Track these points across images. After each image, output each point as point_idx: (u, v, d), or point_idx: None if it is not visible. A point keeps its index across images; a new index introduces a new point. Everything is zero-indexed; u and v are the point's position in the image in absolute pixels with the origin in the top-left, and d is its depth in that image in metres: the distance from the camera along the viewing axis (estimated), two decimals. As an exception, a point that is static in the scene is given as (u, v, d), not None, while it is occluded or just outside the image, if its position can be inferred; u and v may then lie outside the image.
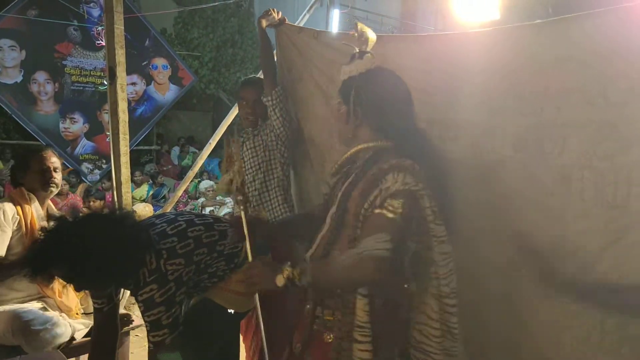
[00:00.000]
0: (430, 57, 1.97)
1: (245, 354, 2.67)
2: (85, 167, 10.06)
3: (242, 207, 1.75)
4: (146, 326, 1.91)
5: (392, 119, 1.60)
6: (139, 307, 1.90)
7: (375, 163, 1.52)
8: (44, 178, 2.67)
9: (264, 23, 2.56)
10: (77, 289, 2.05)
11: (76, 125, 9.98)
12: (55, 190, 2.72)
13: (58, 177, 2.74)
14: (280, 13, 2.59)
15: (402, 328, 1.52)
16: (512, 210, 1.76)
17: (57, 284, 2.59)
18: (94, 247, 1.79)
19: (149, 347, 1.90)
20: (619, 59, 1.47)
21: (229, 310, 2.16)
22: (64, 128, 9.86)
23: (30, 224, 2.54)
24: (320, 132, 2.49)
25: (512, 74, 1.76)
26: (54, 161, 2.74)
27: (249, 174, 2.55)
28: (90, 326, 2.68)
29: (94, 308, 2.17)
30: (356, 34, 1.65)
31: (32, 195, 2.64)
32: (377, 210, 1.39)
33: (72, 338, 2.56)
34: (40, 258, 1.82)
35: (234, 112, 4.64)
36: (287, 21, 2.62)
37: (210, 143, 4.75)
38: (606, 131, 1.52)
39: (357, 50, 1.65)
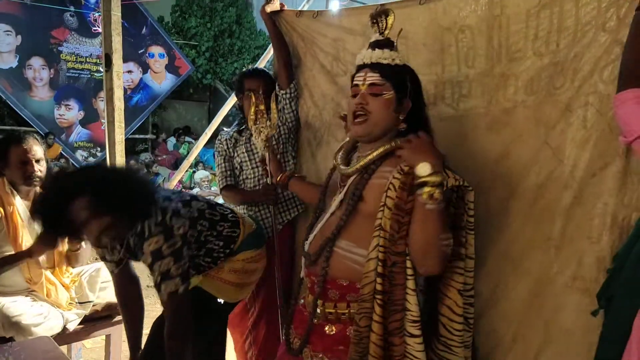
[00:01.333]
0: (439, 16, 1.96)
1: (234, 346, 2.66)
2: (79, 154, 10.02)
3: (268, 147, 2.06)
4: (156, 281, 1.87)
5: (422, 113, 1.61)
6: (147, 261, 1.87)
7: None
8: (25, 172, 2.46)
9: (268, 9, 2.53)
10: (88, 237, 1.96)
11: (71, 112, 9.93)
12: (38, 183, 2.52)
13: (42, 168, 2.52)
14: (278, 0, 2.56)
15: (435, 323, 1.52)
16: (520, 155, 1.75)
17: (46, 281, 2.52)
18: (106, 180, 1.84)
19: (162, 301, 1.88)
20: None
21: (219, 300, 2.13)
22: (59, 115, 9.81)
23: (13, 219, 2.42)
24: (320, 115, 2.48)
25: (527, 16, 1.73)
26: (36, 151, 2.50)
27: (261, 167, 2.51)
28: (84, 315, 2.67)
29: (110, 273, 2.20)
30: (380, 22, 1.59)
31: (13, 189, 2.48)
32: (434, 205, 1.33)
33: (65, 328, 2.55)
34: (53, 202, 1.81)
35: (230, 102, 4.62)
36: (285, 7, 2.58)
37: (206, 133, 4.74)
38: (613, 53, 1.52)
39: (380, 35, 1.59)
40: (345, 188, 1.57)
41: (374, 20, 1.59)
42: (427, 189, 1.27)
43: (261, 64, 4.88)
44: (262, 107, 2.21)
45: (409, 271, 1.38)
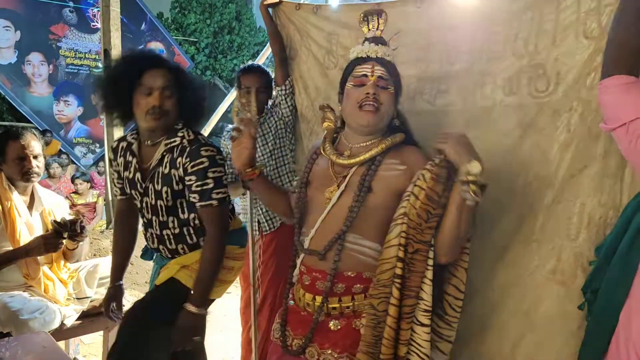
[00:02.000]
0: (430, 16, 2.00)
1: (242, 330, 2.74)
2: (78, 150, 10.01)
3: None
4: (205, 189, 1.89)
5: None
6: (193, 177, 1.89)
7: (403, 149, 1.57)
8: (23, 168, 2.43)
9: (267, 1, 2.54)
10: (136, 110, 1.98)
11: (70, 108, 9.92)
12: (36, 179, 2.51)
13: (39, 164, 2.50)
14: None
15: (440, 303, 1.54)
16: (501, 153, 1.79)
17: (44, 277, 2.52)
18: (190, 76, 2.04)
19: (212, 204, 1.90)
20: None
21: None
22: (58, 111, 9.80)
23: (11, 215, 2.40)
24: (312, 106, 2.52)
25: (507, 17, 1.79)
26: (34, 147, 2.47)
27: (259, 161, 2.52)
28: (82, 311, 2.67)
29: (115, 197, 2.20)
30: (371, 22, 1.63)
31: (11, 185, 2.45)
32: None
33: (63, 324, 2.54)
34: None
35: (229, 98, 4.62)
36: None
37: (205, 129, 4.73)
38: (596, 60, 1.56)
39: (373, 33, 1.63)
40: (346, 180, 1.56)
41: (366, 19, 1.62)
42: (473, 187, 1.29)
43: (260, 60, 4.88)
44: (242, 100, 2.30)
45: (430, 261, 1.41)
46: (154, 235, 2.04)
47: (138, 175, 1.99)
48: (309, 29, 2.45)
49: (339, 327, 1.52)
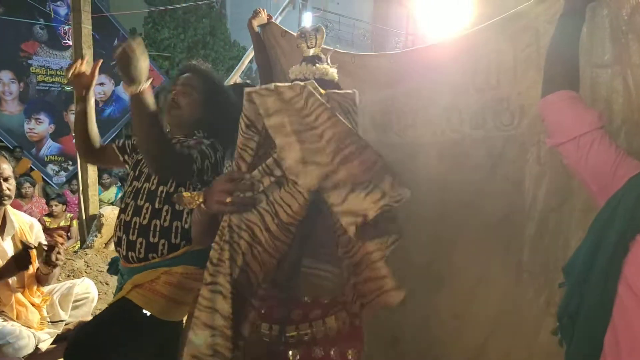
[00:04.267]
0: (398, 64, 2.06)
1: None
2: (50, 168, 9.82)
3: None
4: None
5: None
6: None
7: None
8: None
9: (255, 24, 2.54)
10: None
11: (41, 125, 9.74)
12: (7, 202, 2.45)
13: (10, 186, 2.44)
14: (265, 11, 2.58)
15: None
16: (474, 184, 1.83)
17: (16, 303, 2.45)
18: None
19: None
20: None
21: (145, 312, 1.92)
22: (29, 129, 9.61)
23: None
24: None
25: (467, 52, 1.85)
26: (4, 169, 2.42)
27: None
28: (56, 334, 2.60)
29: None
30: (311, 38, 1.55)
31: None
32: None
33: (37, 348, 2.48)
34: None
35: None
36: (273, 19, 2.60)
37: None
38: None
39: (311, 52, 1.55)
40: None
41: (303, 36, 1.54)
42: None
43: (236, 75, 4.86)
44: None
45: None
46: (137, 226, 1.94)
47: None
48: (293, 56, 2.47)
49: (298, 357, 1.43)
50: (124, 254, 1.97)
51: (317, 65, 1.51)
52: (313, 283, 1.45)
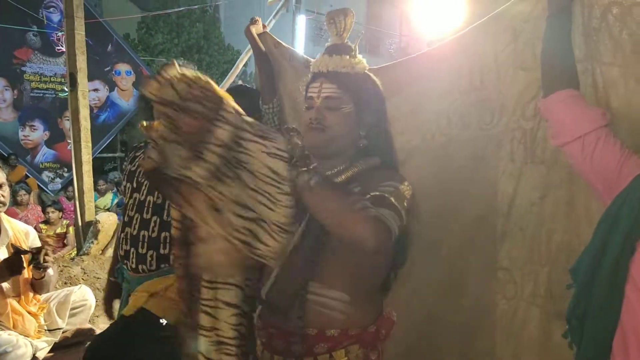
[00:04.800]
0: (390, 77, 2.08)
1: None
2: (45, 175, 9.78)
3: None
4: None
5: (384, 128, 1.46)
6: None
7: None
8: None
9: (254, 30, 2.55)
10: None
11: (36, 132, 9.71)
12: (2, 209, 2.45)
13: (4, 193, 2.45)
14: (260, 21, 2.60)
15: None
16: (458, 185, 1.85)
17: (12, 312, 2.43)
18: None
19: None
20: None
21: (162, 322, 1.89)
22: (24, 136, 9.58)
23: None
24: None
25: (451, 57, 1.87)
26: None
27: None
28: (54, 342, 2.59)
29: None
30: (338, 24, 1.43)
31: None
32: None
33: (35, 357, 2.46)
34: None
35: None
36: (267, 29, 2.61)
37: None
38: (533, 90, 1.62)
39: (337, 37, 1.43)
40: (307, 216, 1.28)
41: (332, 20, 1.42)
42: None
43: (230, 78, 4.87)
44: None
45: None
46: (129, 236, 1.99)
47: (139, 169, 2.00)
48: (283, 73, 2.49)
49: None
50: (133, 266, 1.98)
51: (334, 56, 1.38)
52: (320, 312, 1.28)
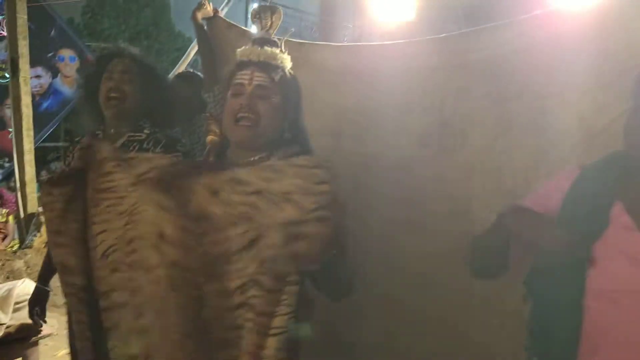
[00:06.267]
0: (347, 64, 2.08)
1: None
2: (-16, 166, 9.34)
3: None
4: None
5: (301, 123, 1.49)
6: None
7: None
8: None
9: (199, 16, 2.50)
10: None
11: (-26, 120, 9.24)
12: None
13: None
14: (211, 5, 2.55)
15: None
16: (424, 203, 1.86)
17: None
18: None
19: None
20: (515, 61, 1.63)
21: None
22: (-40, 124, 9.10)
23: None
24: None
25: (416, 72, 1.88)
26: None
27: None
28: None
29: None
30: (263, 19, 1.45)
31: None
32: None
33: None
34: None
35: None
36: (219, 13, 2.57)
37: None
38: (504, 125, 1.66)
39: (265, 32, 1.45)
40: None
41: (257, 16, 1.45)
42: None
43: (181, 67, 4.77)
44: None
45: None
46: None
47: None
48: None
49: None
50: None
51: (265, 47, 1.40)
52: None
